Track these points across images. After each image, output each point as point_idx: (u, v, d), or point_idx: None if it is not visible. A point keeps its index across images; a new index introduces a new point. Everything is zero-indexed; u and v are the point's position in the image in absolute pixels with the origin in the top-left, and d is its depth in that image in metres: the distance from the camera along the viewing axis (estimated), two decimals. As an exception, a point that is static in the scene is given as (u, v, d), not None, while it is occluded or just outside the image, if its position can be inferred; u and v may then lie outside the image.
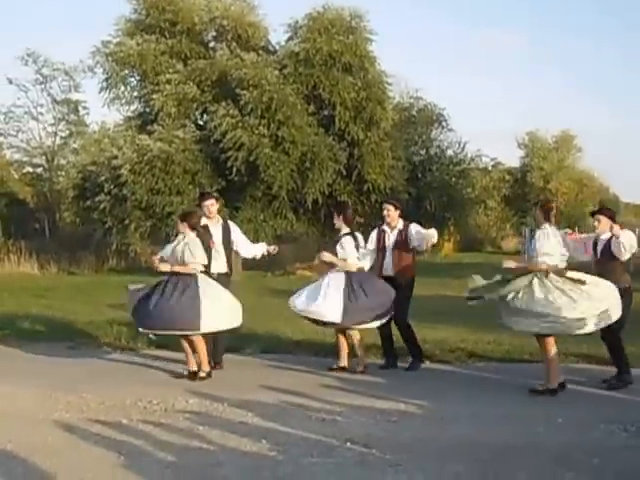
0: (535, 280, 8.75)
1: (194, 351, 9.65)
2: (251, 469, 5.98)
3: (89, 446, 6.60)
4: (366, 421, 7.48)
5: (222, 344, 10.29)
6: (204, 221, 10.25)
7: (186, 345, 9.68)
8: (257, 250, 11.04)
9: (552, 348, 8.85)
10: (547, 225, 8.98)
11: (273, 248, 11.14)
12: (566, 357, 10.38)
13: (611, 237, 9.09)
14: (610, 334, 9.04)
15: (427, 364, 10.65)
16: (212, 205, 10.35)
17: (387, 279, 10.24)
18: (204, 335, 9.56)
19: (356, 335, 10.12)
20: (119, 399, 8.24)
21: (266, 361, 10.82)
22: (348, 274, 10.02)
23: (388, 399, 8.30)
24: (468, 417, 7.69)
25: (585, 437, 7.04)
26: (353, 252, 10.26)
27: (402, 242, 10.34)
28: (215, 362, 10.06)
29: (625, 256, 9.05)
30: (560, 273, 8.79)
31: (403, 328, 10.34)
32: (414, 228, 10.43)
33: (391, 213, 10.49)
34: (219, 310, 9.48)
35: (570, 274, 8.85)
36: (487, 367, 10.39)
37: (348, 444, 6.64)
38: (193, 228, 9.76)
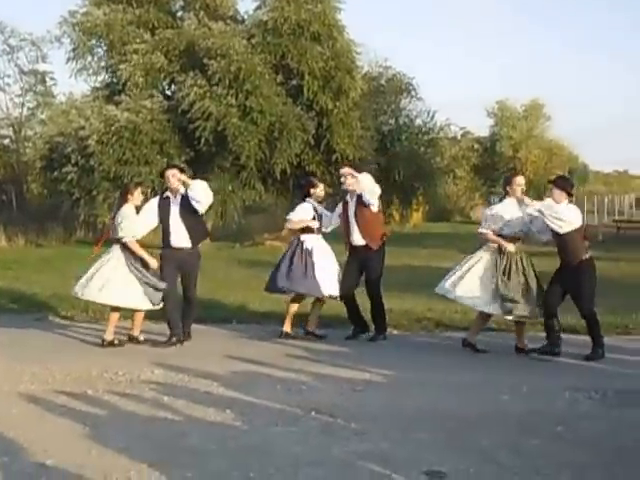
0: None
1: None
2: (216, 439, 5.99)
3: (54, 417, 6.59)
4: (332, 390, 7.53)
5: (192, 315, 10.27)
6: (167, 193, 10.19)
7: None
8: (198, 193, 9.96)
9: None
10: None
11: None
12: (532, 325, 10.48)
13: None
14: (583, 308, 9.11)
15: (394, 333, 10.72)
16: (172, 176, 9.93)
17: (357, 249, 10.25)
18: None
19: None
20: (85, 370, 8.24)
21: (232, 331, 10.85)
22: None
23: (354, 369, 8.35)
24: (434, 386, 7.76)
25: (550, 405, 7.12)
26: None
27: (363, 207, 10.22)
28: (184, 332, 10.07)
29: (563, 228, 8.95)
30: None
31: (374, 300, 10.35)
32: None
33: (348, 179, 10.32)
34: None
35: None
36: (453, 336, 10.46)
37: (313, 413, 6.68)
38: (126, 201, 9.91)
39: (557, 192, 9.11)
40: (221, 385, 7.67)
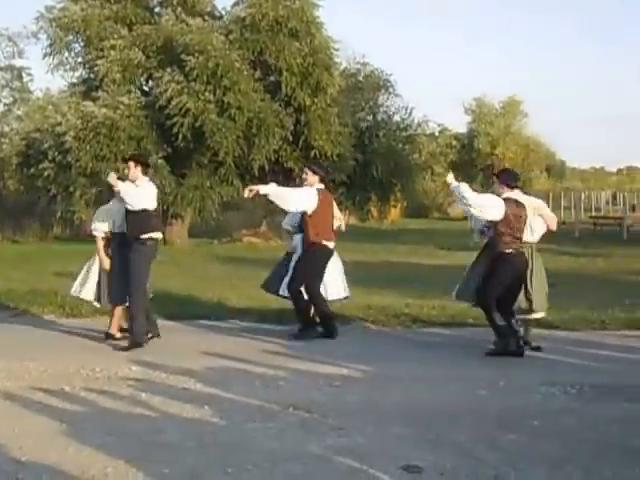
0: None
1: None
2: (194, 435, 5.99)
3: (31, 414, 6.57)
4: (309, 386, 7.54)
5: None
6: None
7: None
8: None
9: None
10: None
11: None
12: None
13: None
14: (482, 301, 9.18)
15: (372, 329, 10.76)
16: (127, 169, 9.93)
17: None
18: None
19: None
20: (62, 367, 8.20)
21: (210, 328, 10.85)
22: None
23: (331, 364, 8.37)
24: (411, 381, 7.79)
25: (526, 400, 7.17)
26: None
27: None
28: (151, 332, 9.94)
29: (484, 215, 8.99)
30: None
31: (293, 295, 10.16)
32: None
33: (309, 178, 10.33)
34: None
35: None
36: (431, 332, 10.51)
37: (291, 409, 6.69)
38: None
39: (497, 185, 9.26)
40: (199, 381, 7.66)
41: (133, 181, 9.74)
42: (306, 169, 10.50)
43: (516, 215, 8.97)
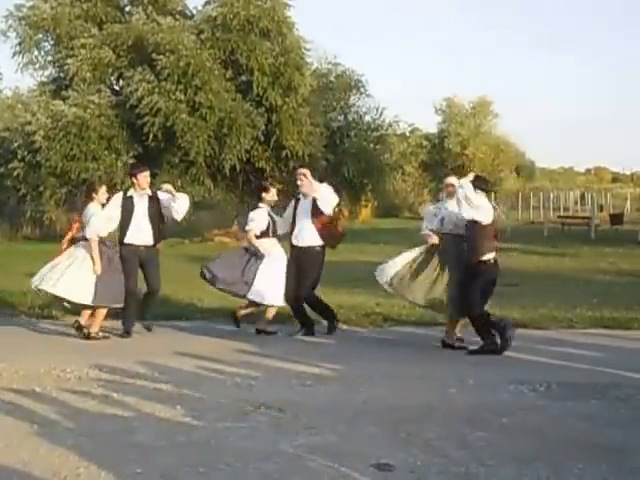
0: None
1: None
2: (166, 435, 6.00)
3: (1, 415, 6.53)
4: (281, 385, 7.57)
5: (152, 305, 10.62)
6: (130, 192, 10.35)
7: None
8: (182, 205, 10.48)
9: None
10: None
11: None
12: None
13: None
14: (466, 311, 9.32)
15: (344, 328, 10.79)
16: (147, 177, 10.33)
17: (298, 249, 10.32)
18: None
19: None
20: (33, 368, 8.16)
21: (181, 328, 10.86)
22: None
23: (303, 363, 8.40)
24: (382, 379, 7.85)
25: (495, 398, 7.23)
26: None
27: (314, 210, 10.25)
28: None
29: (480, 216, 9.06)
30: None
31: (301, 302, 10.46)
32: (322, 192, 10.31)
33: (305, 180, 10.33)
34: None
35: None
36: (402, 331, 10.58)
37: (262, 408, 6.71)
38: (91, 199, 10.15)
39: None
40: (170, 381, 7.66)
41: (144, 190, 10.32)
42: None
43: (494, 220, 9.16)
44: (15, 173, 23.77)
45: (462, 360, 8.83)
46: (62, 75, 25.90)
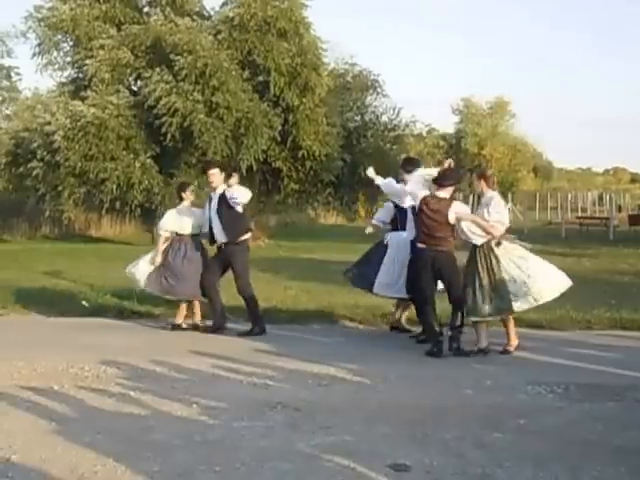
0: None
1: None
2: (182, 433, 6.02)
3: (20, 413, 6.58)
4: (297, 385, 7.58)
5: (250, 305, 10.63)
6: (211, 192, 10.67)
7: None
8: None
9: None
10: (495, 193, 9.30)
11: None
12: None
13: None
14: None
15: (360, 328, 10.79)
16: (212, 175, 10.45)
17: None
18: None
19: None
20: (51, 366, 8.22)
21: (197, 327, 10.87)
22: None
23: (319, 363, 8.39)
24: (398, 380, 7.83)
25: (512, 399, 7.21)
26: None
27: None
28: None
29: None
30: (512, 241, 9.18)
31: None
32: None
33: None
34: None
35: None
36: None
37: (279, 408, 6.73)
38: (181, 198, 10.91)
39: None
40: (187, 380, 7.70)
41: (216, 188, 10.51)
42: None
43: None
44: (34, 173, 23.88)
45: (479, 361, 8.80)
46: (81, 76, 26.01)
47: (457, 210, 9.16)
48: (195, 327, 10.68)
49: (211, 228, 10.40)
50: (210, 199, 10.53)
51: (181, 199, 10.87)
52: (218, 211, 10.30)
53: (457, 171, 10.08)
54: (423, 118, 63.27)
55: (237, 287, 10.39)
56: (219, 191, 10.37)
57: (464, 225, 9.05)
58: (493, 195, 9.25)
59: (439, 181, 9.31)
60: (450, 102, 52.29)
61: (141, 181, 23.61)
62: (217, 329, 10.41)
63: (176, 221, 10.66)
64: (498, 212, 9.05)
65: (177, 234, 10.64)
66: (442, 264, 9.12)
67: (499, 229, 9.00)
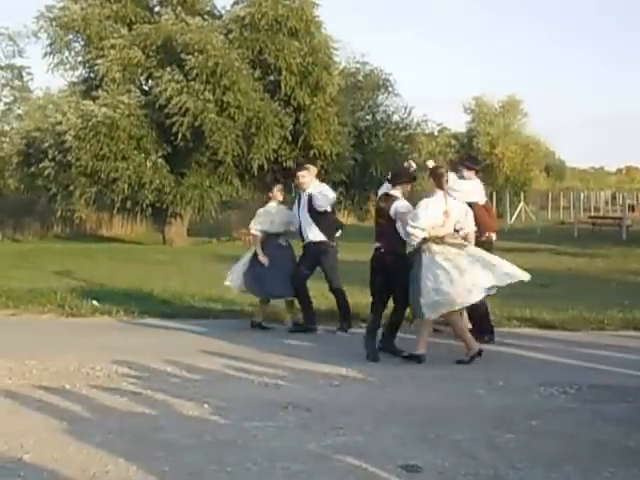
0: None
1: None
2: (194, 433, 6.01)
3: (31, 412, 6.59)
4: (308, 385, 7.56)
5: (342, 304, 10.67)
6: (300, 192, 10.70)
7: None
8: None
9: (457, 319, 8.97)
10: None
11: None
12: (509, 321, 10.58)
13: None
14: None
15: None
16: (301, 177, 10.54)
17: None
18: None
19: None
20: (62, 365, 8.22)
21: (209, 326, 10.86)
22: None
23: (330, 364, 8.37)
24: (409, 380, 7.81)
25: (525, 400, 7.18)
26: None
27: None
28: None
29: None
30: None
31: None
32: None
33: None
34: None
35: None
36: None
37: (290, 408, 6.71)
38: (269, 199, 10.94)
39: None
40: (198, 380, 7.70)
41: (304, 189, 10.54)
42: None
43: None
44: (46, 172, 23.99)
45: (490, 362, 8.76)
46: (92, 75, 26.13)
47: (396, 207, 9.05)
48: (297, 325, 10.70)
49: (301, 227, 10.49)
50: (299, 198, 10.60)
51: (269, 198, 10.93)
52: (309, 210, 10.39)
53: (409, 170, 9.95)
54: (435, 117, 63.14)
55: (329, 284, 10.52)
56: (308, 191, 10.43)
57: (399, 225, 8.98)
58: (429, 196, 9.16)
59: (392, 180, 9.30)
60: (462, 101, 52.26)
61: (152, 181, 23.68)
62: (307, 329, 10.47)
63: (266, 220, 10.68)
64: (421, 216, 8.86)
65: (266, 233, 10.66)
66: (388, 263, 9.00)
67: (417, 236, 8.81)
